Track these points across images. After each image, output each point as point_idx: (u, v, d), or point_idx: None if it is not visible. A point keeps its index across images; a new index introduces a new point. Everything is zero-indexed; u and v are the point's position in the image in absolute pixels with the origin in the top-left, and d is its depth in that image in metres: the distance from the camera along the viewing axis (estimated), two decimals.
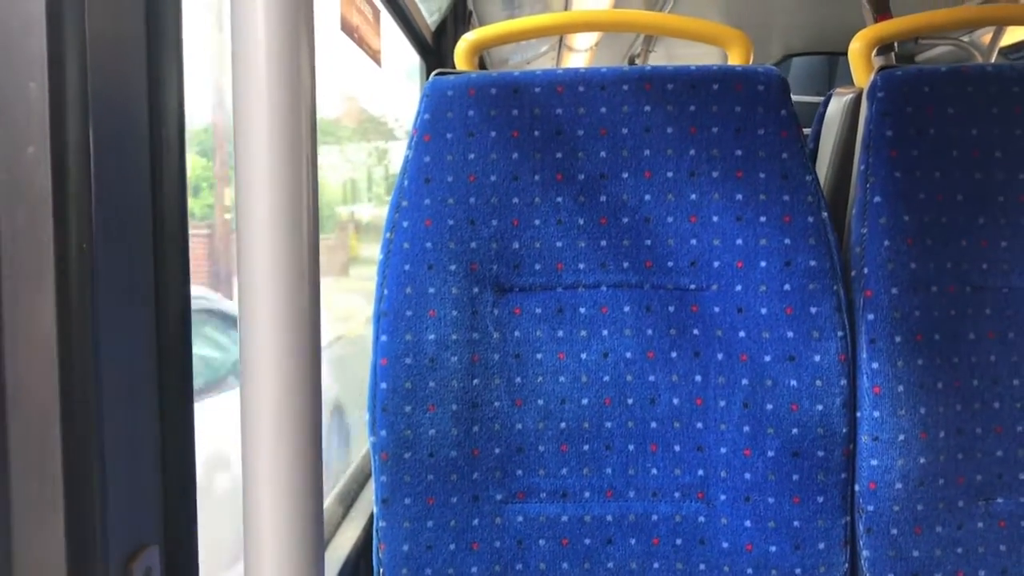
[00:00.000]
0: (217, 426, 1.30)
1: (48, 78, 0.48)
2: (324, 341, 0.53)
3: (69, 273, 0.49)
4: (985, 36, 2.81)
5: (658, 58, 3.68)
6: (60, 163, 0.49)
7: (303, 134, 0.46)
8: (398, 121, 2.88)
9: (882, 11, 1.78)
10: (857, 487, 1.08)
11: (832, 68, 4.10)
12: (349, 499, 1.55)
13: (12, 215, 0.49)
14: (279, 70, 0.45)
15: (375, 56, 1.76)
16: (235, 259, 0.47)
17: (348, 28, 1.49)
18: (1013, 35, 3.12)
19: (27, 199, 0.49)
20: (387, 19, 1.93)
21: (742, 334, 1.08)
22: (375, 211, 2.92)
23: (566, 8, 2.95)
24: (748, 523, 1.08)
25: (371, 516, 1.12)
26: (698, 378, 1.09)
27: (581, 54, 3.77)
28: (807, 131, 1.39)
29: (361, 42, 1.57)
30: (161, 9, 0.57)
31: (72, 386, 0.50)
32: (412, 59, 2.37)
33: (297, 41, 0.46)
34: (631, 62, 3.96)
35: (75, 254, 0.50)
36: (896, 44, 1.79)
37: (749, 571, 1.08)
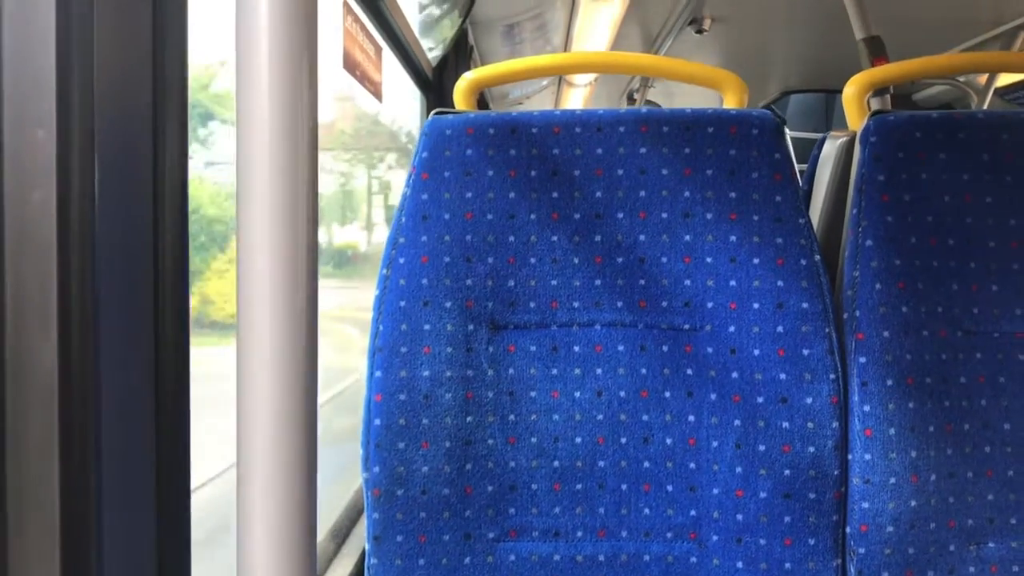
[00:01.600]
0: None
1: (56, 126, 0.50)
2: None
3: (72, 317, 0.50)
4: (981, 77, 2.85)
5: (656, 94, 3.72)
6: (65, 209, 0.50)
7: (304, 147, 0.47)
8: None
9: (878, 55, 1.80)
10: (848, 529, 1.09)
11: (829, 104, 4.15)
12: (341, 535, 1.55)
13: (17, 260, 0.50)
14: (282, 87, 0.46)
15: (376, 91, 1.79)
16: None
17: (351, 65, 1.51)
18: (1009, 76, 3.17)
19: (32, 244, 0.50)
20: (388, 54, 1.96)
21: (735, 375, 1.09)
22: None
23: (566, 45, 2.99)
24: (740, 564, 1.08)
25: (363, 553, 1.13)
26: (691, 418, 1.10)
27: (580, 89, 3.81)
28: (803, 167, 1.41)
29: (363, 79, 1.59)
30: (167, 61, 0.59)
31: (72, 431, 0.51)
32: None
33: (300, 56, 0.47)
34: (630, 97, 3.99)
35: (78, 298, 0.51)
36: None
37: None
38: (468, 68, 1.57)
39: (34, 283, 0.50)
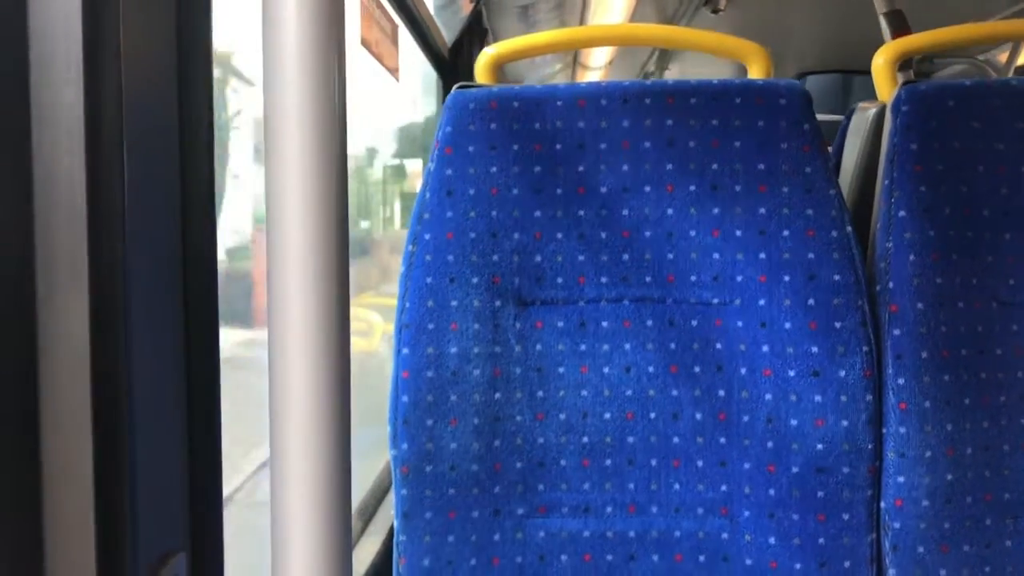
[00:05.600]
0: None
1: (84, 86, 0.48)
2: None
3: (103, 278, 0.49)
4: (1002, 55, 2.81)
5: (672, 76, 3.69)
6: (95, 168, 0.49)
7: (334, 140, 0.46)
8: None
9: (901, 28, 1.78)
10: (883, 504, 1.07)
11: (846, 86, 4.10)
12: (368, 513, 1.54)
13: (47, 221, 0.49)
14: (311, 78, 0.45)
15: (392, 72, 1.77)
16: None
17: (367, 43, 1.50)
18: None
19: (63, 205, 0.49)
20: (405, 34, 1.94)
21: (766, 348, 1.07)
22: None
23: (580, 23, 2.96)
24: (772, 540, 1.06)
25: (391, 530, 1.12)
26: (721, 392, 1.08)
27: (595, 72, 3.78)
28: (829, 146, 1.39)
29: (379, 57, 1.57)
30: (192, 20, 0.58)
31: (104, 391, 0.50)
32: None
33: (328, 47, 0.46)
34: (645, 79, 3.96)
35: (108, 259, 0.50)
36: (913, 62, 1.79)
37: None
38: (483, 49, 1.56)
39: (65, 246, 0.49)
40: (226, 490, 0.63)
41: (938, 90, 1.14)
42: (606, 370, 1.09)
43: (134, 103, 0.52)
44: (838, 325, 1.06)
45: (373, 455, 1.83)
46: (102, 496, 0.51)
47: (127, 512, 0.52)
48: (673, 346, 1.09)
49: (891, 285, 1.09)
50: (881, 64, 1.28)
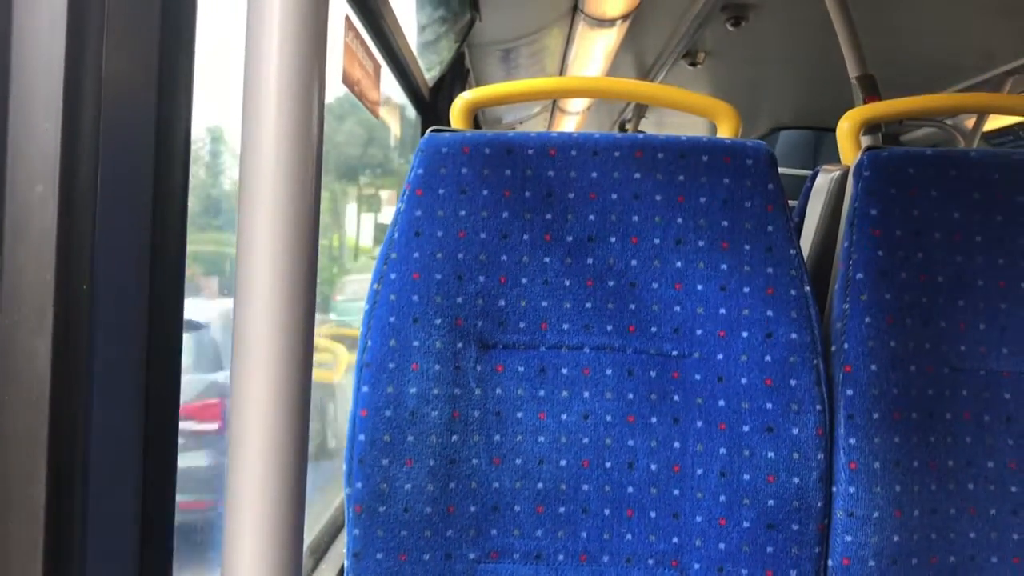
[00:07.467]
0: None
1: (62, 121, 0.49)
2: None
3: (69, 313, 0.50)
4: (969, 120, 2.89)
5: (649, 125, 3.75)
6: (67, 203, 0.50)
7: (310, 149, 0.47)
8: None
9: (871, 93, 1.83)
10: (830, 562, 1.09)
11: (818, 142, 4.18)
12: (320, 551, 1.53)
13: (15, 252, 0.49)
14: (289, 99, 0.46)
15: (373, 109, 1.79)
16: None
17: (349, 81, 1.52)
18: (996, 120, 3.21)
19: (31, 237, 0.49)
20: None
21: (722, 403, 1.09)
22: None
23: (561, 69, 3.01)
24: None
25: (342, 569, 1.11)
26: (677, 444, 1.10)
27: (573, 116, 3.83)
28: (793, 203, 1.42)
29: (361, 96, 1.59)
30: (174, 57, 0.59)
31: (61, 431, 0.50)
32: None
33: (310, 71, 0.47)
34: (622, 127, 4.02)
35: (74, 292, 0.50)
36: (882, 124, 1.84)
37: None
38: (464, 90, 1.58)
39: (32, 276, 0.50)
40: None
41: (900, 157, 1.17)
42: (564, 417, 1.10)
43: (111, 139, 0.53)
44: (793, 383, 1.08)
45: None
46: (53, 538, 0.51)
47: (77, 554, 0.52)
48: (631, 396, 1.10)
49: (846, 346, 1.11)
50: (846, 129, 1.32)
